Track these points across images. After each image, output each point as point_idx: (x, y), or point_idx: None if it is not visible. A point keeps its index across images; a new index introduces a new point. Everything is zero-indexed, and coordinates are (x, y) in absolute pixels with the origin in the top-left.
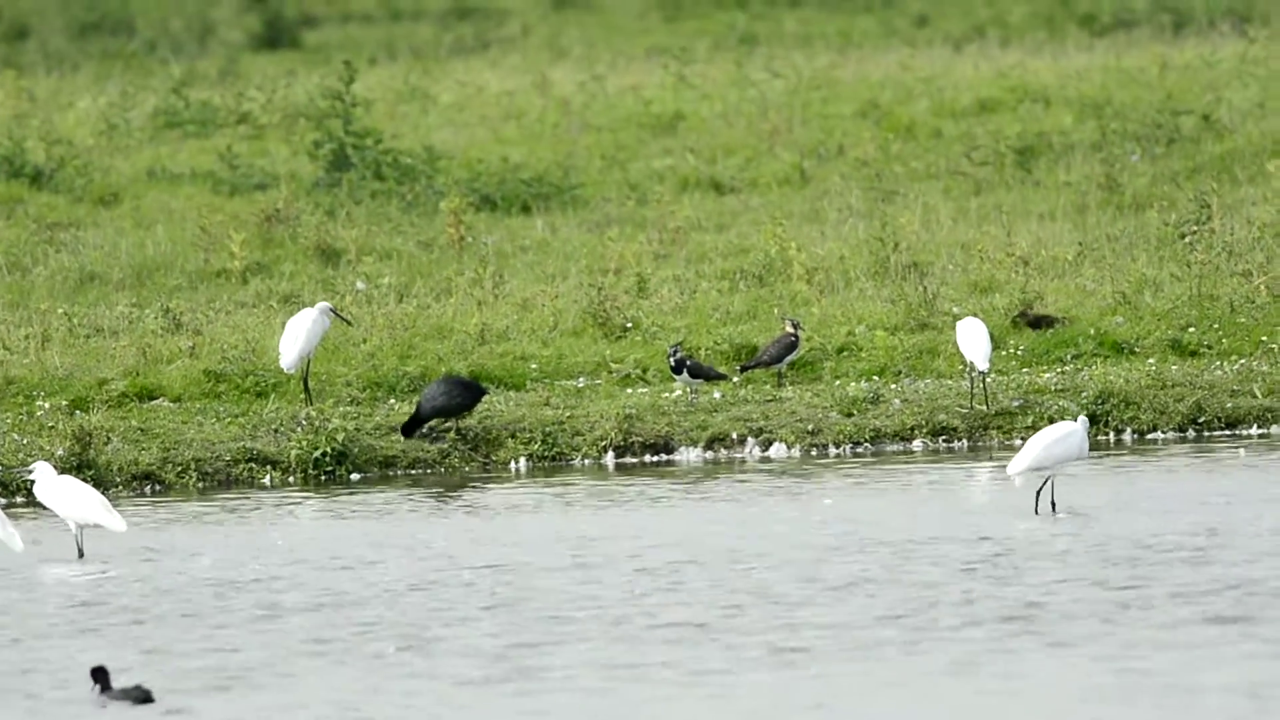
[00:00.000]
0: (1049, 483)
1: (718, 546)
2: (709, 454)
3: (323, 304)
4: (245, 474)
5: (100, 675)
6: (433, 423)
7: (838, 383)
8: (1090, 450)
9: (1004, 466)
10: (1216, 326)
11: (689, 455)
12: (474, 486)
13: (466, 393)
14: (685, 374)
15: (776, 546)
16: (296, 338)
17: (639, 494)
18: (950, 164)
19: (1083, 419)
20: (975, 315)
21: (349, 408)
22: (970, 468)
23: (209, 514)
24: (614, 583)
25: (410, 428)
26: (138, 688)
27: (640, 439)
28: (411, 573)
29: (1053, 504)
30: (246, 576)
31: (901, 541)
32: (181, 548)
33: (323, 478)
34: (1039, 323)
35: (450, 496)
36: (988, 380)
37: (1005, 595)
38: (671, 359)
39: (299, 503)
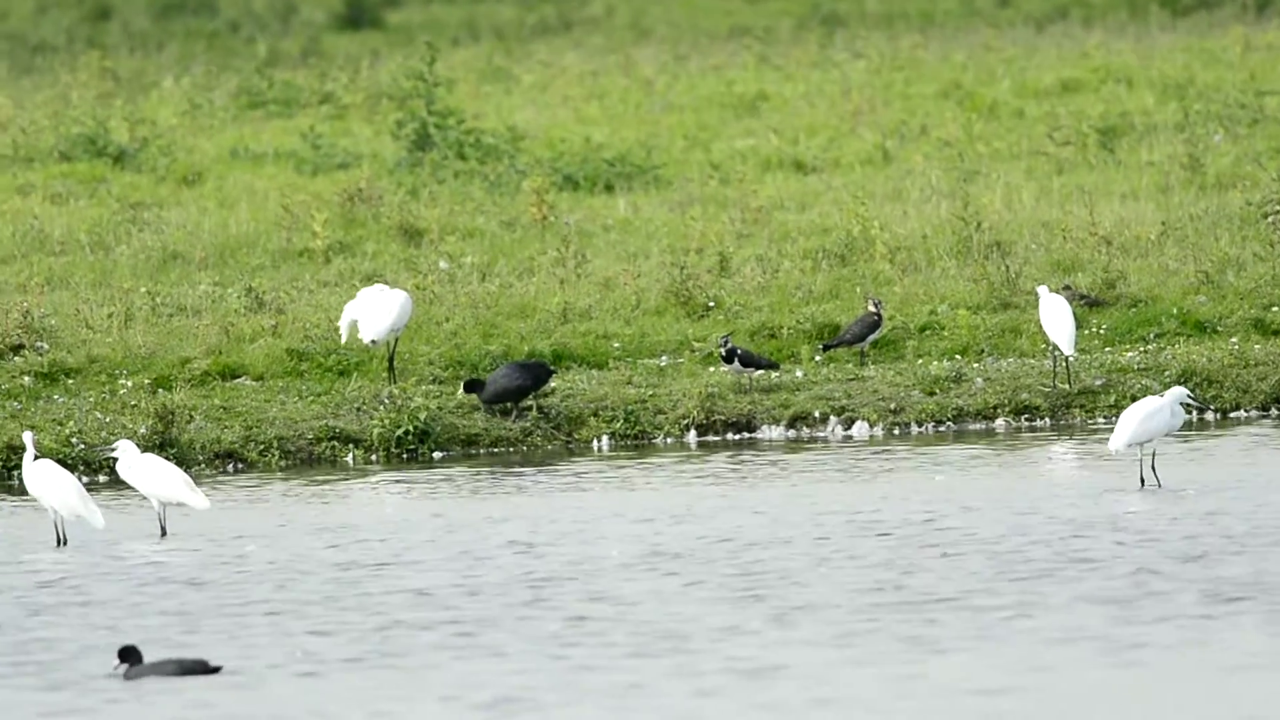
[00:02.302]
0: (1150, 456)
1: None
2: (791, 432)
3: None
4: (328, 452)
5: (131, 654)
6: (504, 405)
7: (920, 362)
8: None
9: (1091, 443)
10: None
11: (771, 434)
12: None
13: (527, 375)
14: (736, 363)
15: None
16: (389, 312)
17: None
18: (1033, 144)
19: (1179, 389)
20: (1058, 292)
21: (431, 386)
22: (1069, 443)
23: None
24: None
25: (471, 388)
26: (199, 660)
27: (722, 417)
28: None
29: (1154, 477)
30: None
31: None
32: (296, 525)
33: (405, 456)
34: (1087, 303)
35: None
36: (1071, 359)
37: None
38: (722, 349)
39: (386, 479)
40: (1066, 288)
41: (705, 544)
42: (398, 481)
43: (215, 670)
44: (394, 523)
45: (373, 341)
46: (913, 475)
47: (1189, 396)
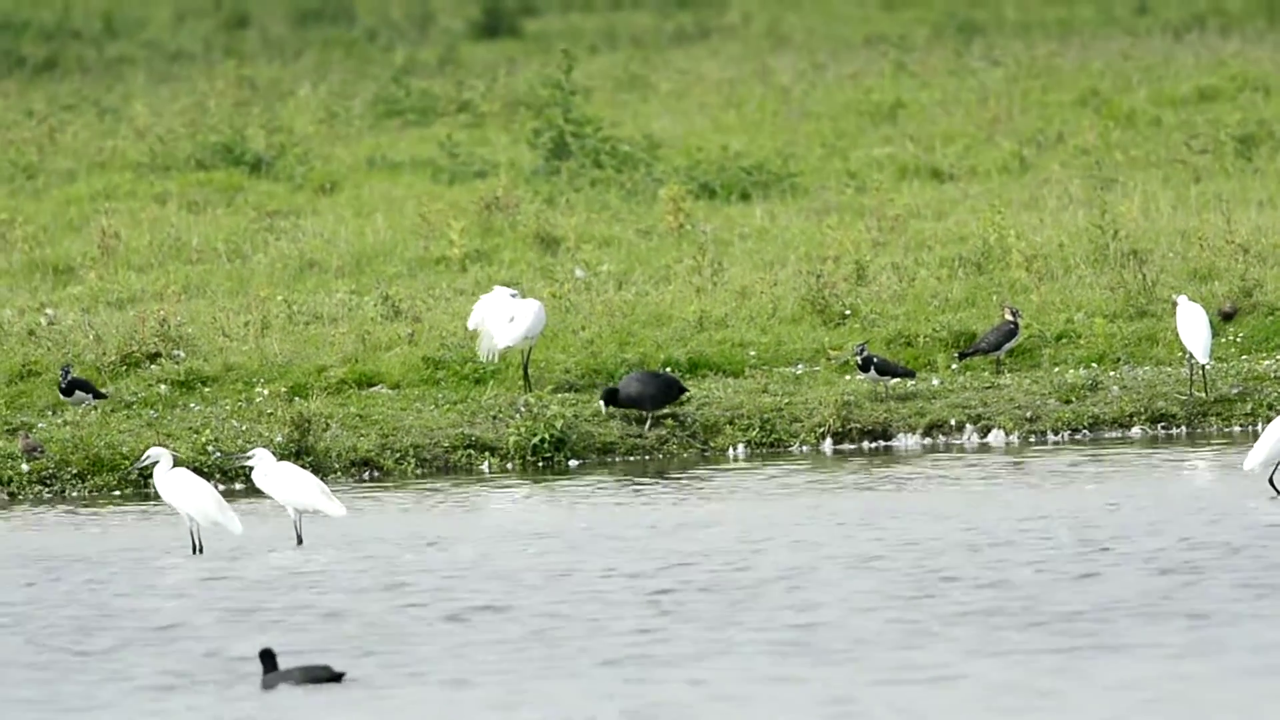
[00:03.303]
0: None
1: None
2: (927, 440)
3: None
4: (464, 460)
5: (267, 658)
6: (637, 412)
7: (1056, 370)
8: None
9: (1232, 452)
10: None
11: (907, 442)
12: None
13: (661, 384)
14: (872, 371)
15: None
16: (521, 320)
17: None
18: (1170, 152)
19: None
20: (1194, 301)
21: (567, 394)
22: (1207, 451)
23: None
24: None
25: (607, 399)
26: (324, 667)
27: (858, 425)
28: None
29: (1275, 487)
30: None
31: None
32: (438, 535)
33: (540, 464)
34: (1229, 316)
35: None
36: (1207, 368)
37: None
38: (859, 357)
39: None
40: (1227, 304)
41: (890, 549)
42: (540, 489)
43: (339, 677)
44: (545, 530)
45: (507, 348)
46: (1061, 484)
47: None
